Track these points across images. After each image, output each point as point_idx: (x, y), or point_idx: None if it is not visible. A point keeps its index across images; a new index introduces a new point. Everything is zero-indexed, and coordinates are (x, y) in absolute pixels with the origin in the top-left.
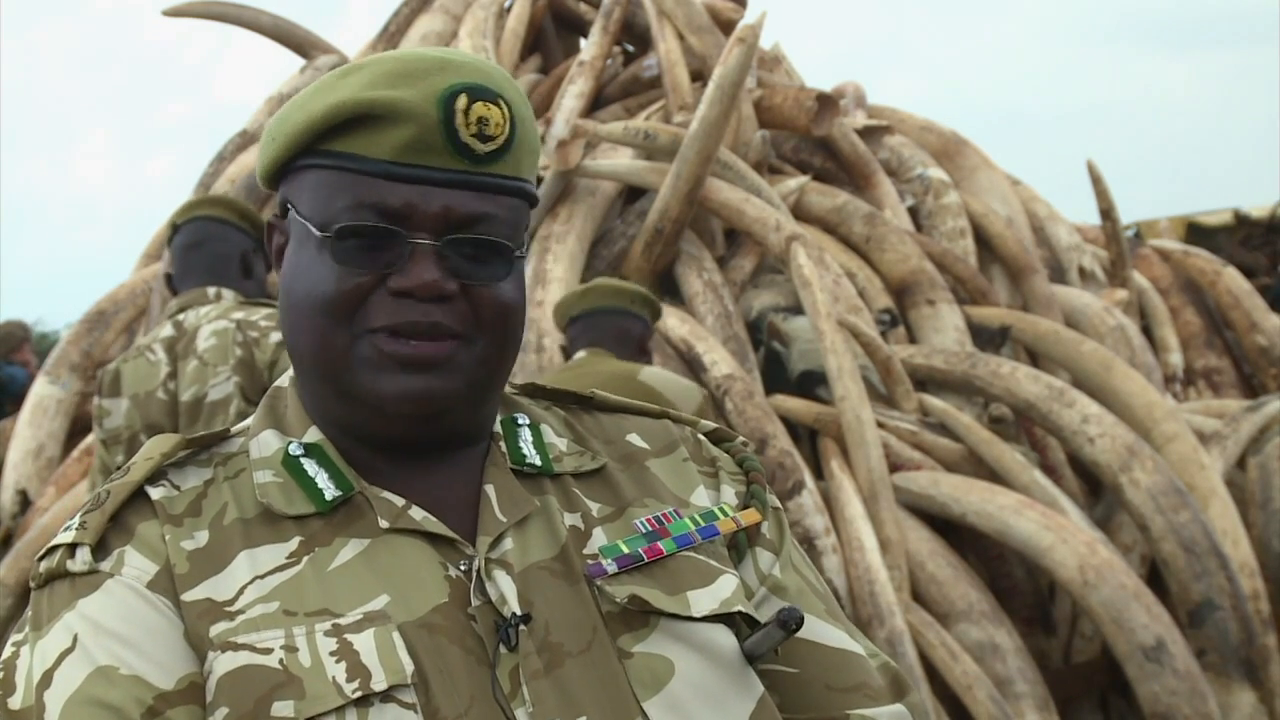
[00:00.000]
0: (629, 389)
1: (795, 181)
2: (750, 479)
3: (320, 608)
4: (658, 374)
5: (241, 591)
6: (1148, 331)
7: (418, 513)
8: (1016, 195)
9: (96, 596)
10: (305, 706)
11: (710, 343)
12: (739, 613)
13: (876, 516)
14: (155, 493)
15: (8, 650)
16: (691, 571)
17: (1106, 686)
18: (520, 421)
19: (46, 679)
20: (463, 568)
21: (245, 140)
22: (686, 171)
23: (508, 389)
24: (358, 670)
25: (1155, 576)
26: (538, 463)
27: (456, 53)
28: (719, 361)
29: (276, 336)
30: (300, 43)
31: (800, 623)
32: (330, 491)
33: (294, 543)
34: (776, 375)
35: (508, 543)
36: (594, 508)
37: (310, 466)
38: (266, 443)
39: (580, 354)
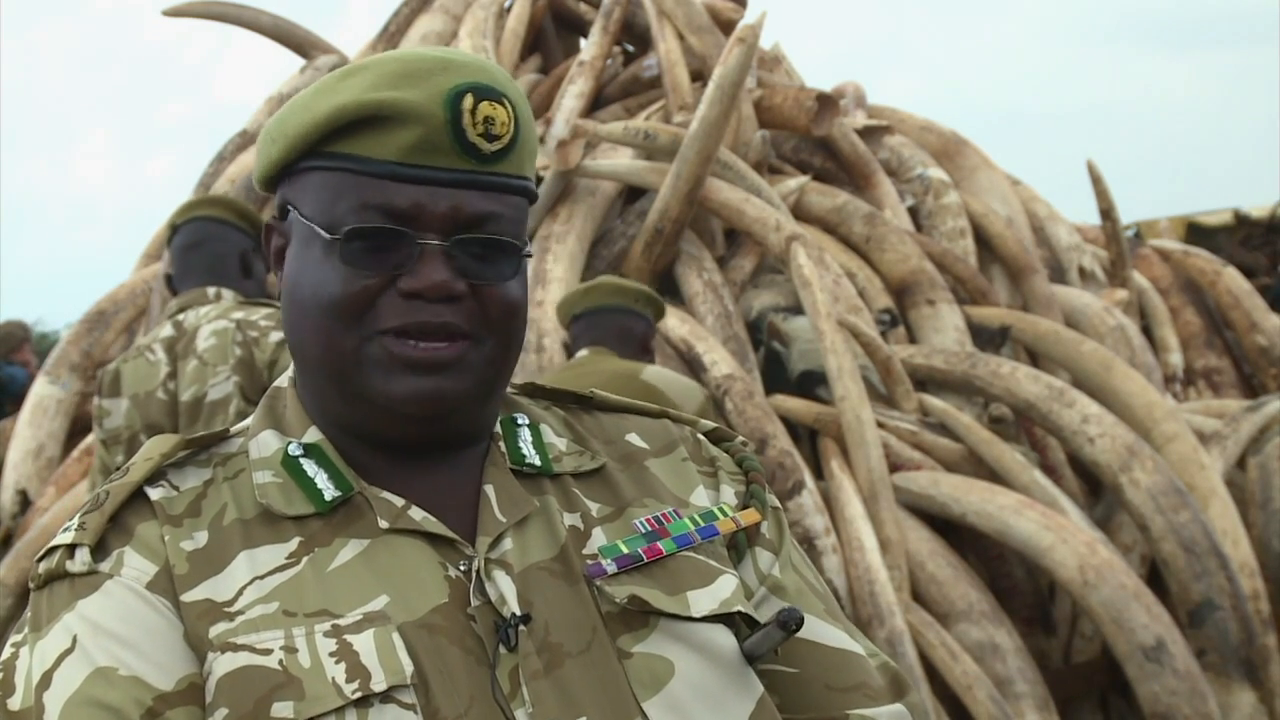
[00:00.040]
0: (631, 388)
1: (795, 181)
2: (749, 479)
3: (320, 608)
4: (660, 373)
5: (241, 592)
6: (1148, 331)
7: (417, 513)
8: (1016, 195)
9: (96, 597)
10: (305, 707)
11: (710, 343)
12: (738, 613)
13: (876, 516)
14: (154, 493)
15: (7, 651)
16: (691, 571)
17: (1106, 686)
18: (520, 421)
19: (46, 680)
20: (462, 568)
21: (245, 140)
22: (686, 171)
23: (507, 388)
24: (357, 671)
25: (1155, 576)
26: (537, 463)
27: (457, 52)
28: (719, 361)
29: (276, 336)
30: (300, 43)
31: (800, 623)
32: (330, 492)
33: (293, 543)
34: (776, 375)
35: (507, 543)
36: (593, 508)
37: (309, 467)
38: (266, 443)
39: (583, 352)
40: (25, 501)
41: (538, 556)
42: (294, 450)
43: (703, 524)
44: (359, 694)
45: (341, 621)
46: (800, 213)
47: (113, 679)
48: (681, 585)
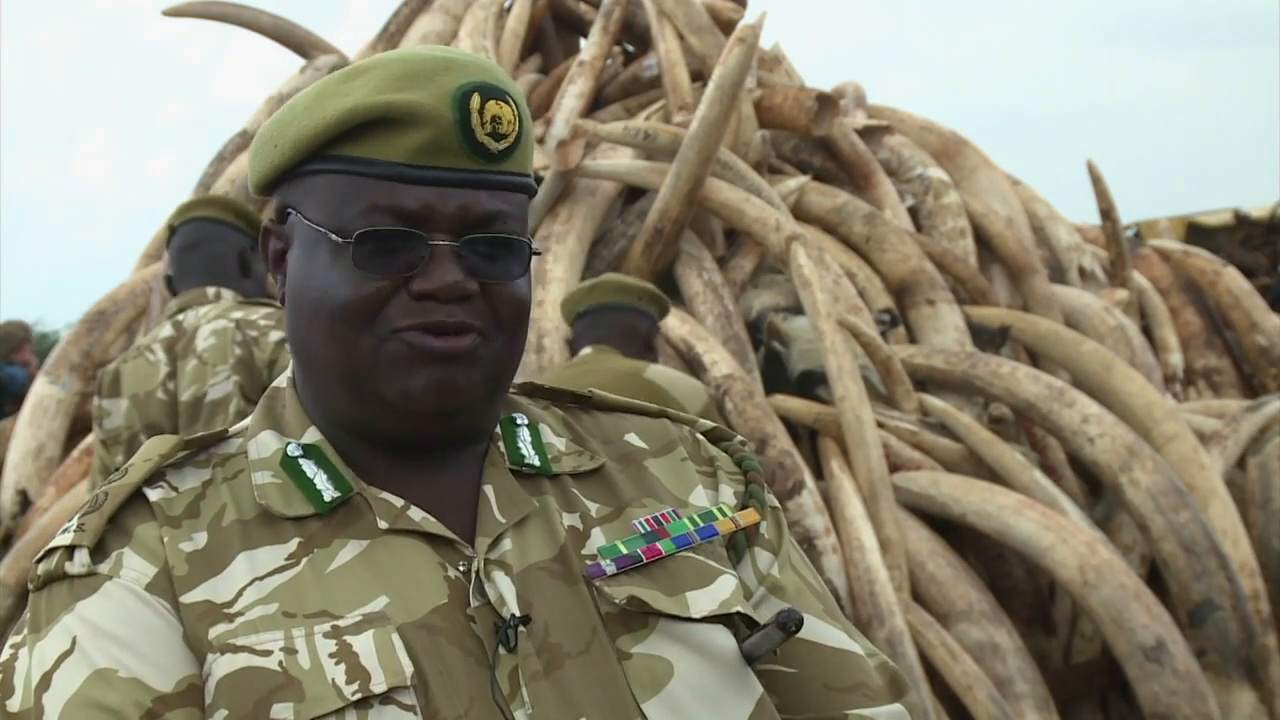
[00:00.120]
0: (634, 386)
1: (795, 181)
2: (749, 479)
3: (319, 609)
4: (664, 372)
5: (240, 593)
6: (1148, 331)
7: (416, 513)
8: (1016, 195)
9: (95, 599)
10: (305, 709)
11: (710, 343)
12: (738, 613)
13: (876, 516)
14: (153, 494)
15: (6, 652)
16: (690, 572)
17: (1106, 686)
18: (519, 421)
19: (45, 681)
20: (462, 568)
21: (245, 140)
22: (686, 171)
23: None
24: (357, 672)
25: (1155, 576)
26: (536, 463)
27: (458, 51)
28: (719, 361)
29: (275, 335)
30: (300, 43)
31: (799, 624)
32: (329, 492)
33: (293, 544)
34: (776, 375)
35: (506, 543)
36: (592, 508)
37: (309, 467)
38: (265, 444)
39: (586, 350)
40: (25, 501)
41: (537, 557)
42: (293, 451)
43: (702, 524)
44: (359, 695)
45: (341, 622)
46: (800, 213)
47: (112, 680)
48: (681, 586)
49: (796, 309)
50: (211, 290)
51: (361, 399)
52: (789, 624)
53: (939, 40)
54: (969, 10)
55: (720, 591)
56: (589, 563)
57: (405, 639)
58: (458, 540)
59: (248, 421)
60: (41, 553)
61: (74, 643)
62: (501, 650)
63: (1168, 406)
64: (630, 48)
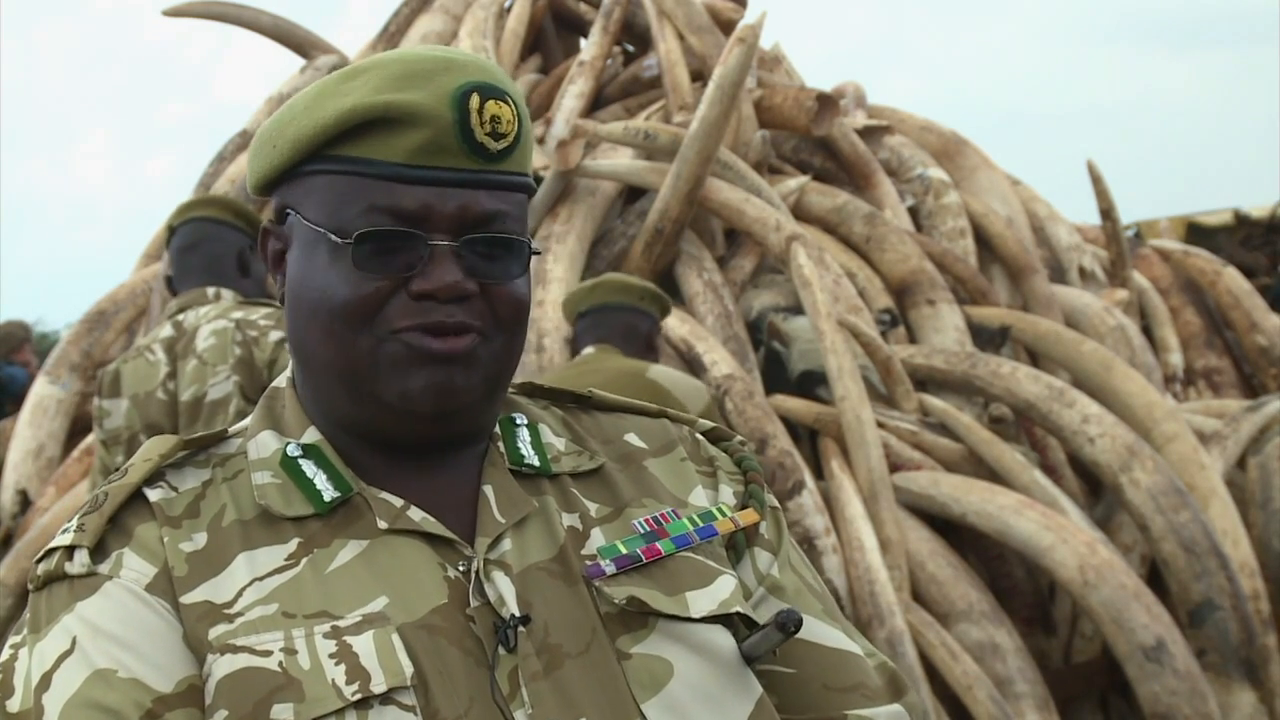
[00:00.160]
0: (636, 386)
1: (795, 181)
2: (748, 479)
3: (319, 610)
4: (666, 372)
5: (240, 594)
6: (1148, 331)
7: (416, 513)
8: (1016, 195)
9: (95, 599)
10: (305, 709)
11: (710, 343)
12: (737, 613)
13: (876, 516)
14: (153, 494)
15: (6, 652)
16: (690, 572)
17: (1106, 686)
18: (518, 421)
19: (45, 681)
20: (461, 569)
21: (245, 140)
22: (686, 171)
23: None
24: (357, 672)
25: (1155, 576)
26: (536, 463)
27: (456, 51)
28: (719, 361)
29: (275, 335)
30: (300, 43)
31: (799, 625)
32: (329, 493)
33: (293, 544)
34: (776, 375)
35: (506, 544)
36: (592, 508)
37: (308, 467)
38: (264, 444)
39: (588, 350)
40: (25, 501)
41: (537, 557)
42: (292, 451)
43: (701, 524)
44: (359, 695)
45: (341, 623)
46: (800, 213)
47: (112, 681)
48: (680, 586)
49: (796, 309)
50: (211, 290)
51: (360, 399)
52: (788, 624)
53: (939, 40)
54: (969, 10)
55: (720, 592)
56: (589, 563)
57: (405, 639)
58: (457, 540)
59: (247, 421)
60: (41, 553)
61: (74, 643)
62: (501, 650)
63: (1168, 406)
64: (630, 48)
